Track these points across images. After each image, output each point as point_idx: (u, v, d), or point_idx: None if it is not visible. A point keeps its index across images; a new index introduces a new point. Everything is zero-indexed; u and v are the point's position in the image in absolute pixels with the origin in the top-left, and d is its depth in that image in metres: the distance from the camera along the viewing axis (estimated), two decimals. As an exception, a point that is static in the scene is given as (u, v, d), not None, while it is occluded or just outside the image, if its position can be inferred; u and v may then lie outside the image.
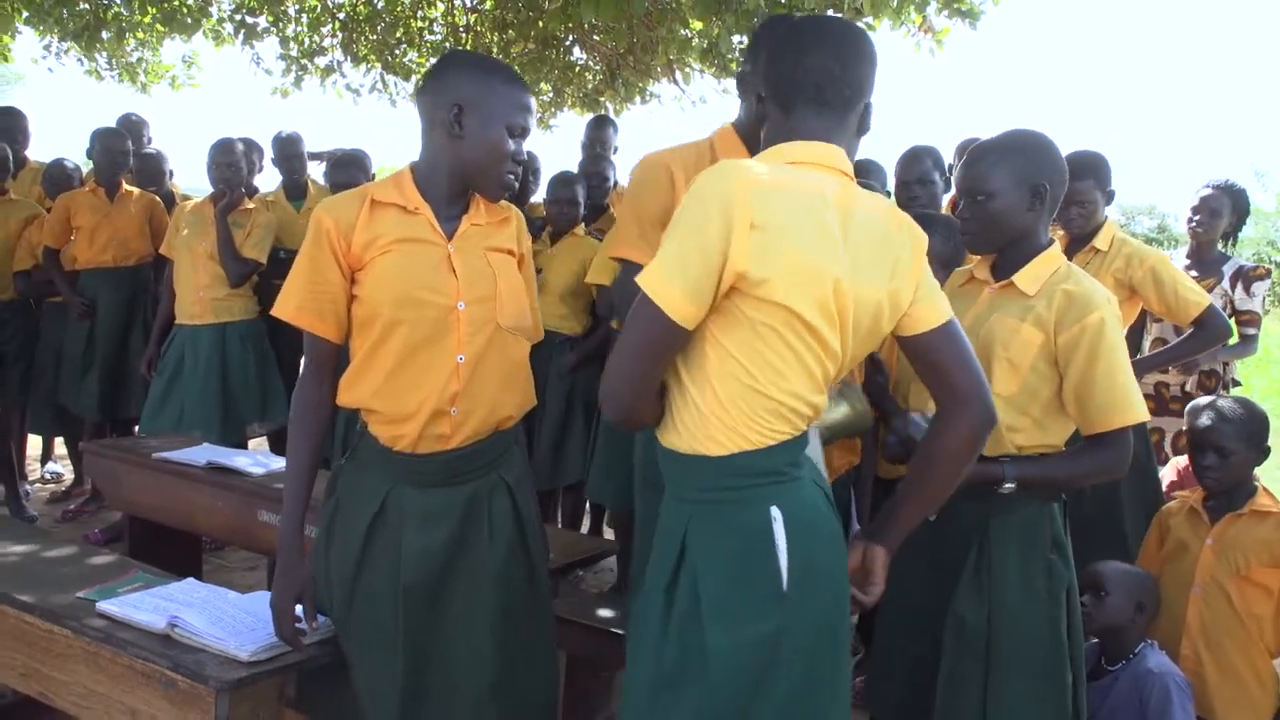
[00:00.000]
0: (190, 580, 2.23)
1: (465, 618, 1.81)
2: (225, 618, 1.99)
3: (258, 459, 3.11)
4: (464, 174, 1.77)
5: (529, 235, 1.97)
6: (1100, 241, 3.15)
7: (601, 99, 7.73)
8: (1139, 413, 1.84)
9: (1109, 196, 3.21)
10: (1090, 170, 3.09)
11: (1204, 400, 2.56)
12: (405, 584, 1.79)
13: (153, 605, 2.03)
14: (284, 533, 1.85)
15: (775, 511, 1.42)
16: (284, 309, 1.79)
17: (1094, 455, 1.90)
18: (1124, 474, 1.94)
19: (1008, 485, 1.87)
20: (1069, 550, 1.99)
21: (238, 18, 7.36)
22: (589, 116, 5.93)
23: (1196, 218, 3.83)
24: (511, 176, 1.77)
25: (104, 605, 2.03)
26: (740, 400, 1.41)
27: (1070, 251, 3.16)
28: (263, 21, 7.40)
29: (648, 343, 1.39)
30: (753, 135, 1.69)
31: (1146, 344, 3.74)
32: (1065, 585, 1.95)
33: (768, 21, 1.89)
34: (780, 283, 1.36)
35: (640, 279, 1.39)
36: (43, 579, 2.24)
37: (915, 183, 3.21)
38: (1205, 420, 2.46)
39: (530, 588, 1.89)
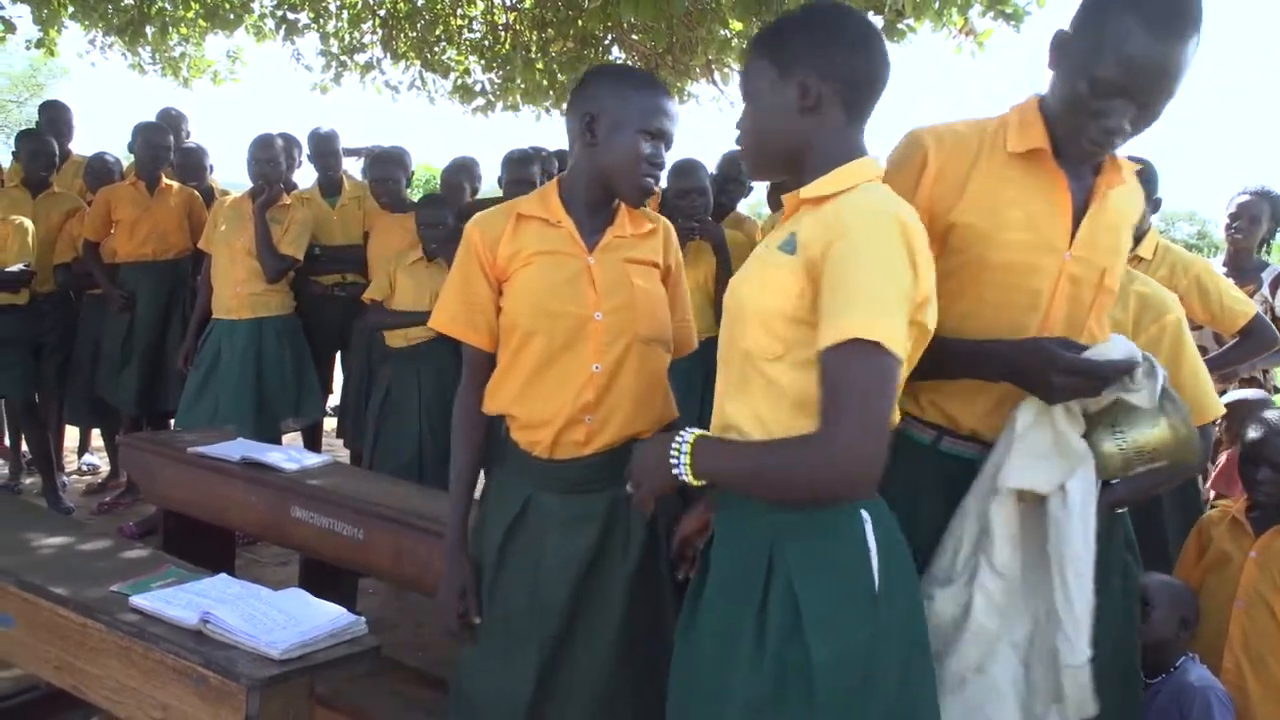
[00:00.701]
0: (223, 576, 2.23)
1: (595, 625, 1.82)
2: (257, 615, 1.98)
3: (291, 454, 3.11)
4: (602, 181, 1.80)
5: (678, 247, 1.97)
6: (1144, 249, 3.11)
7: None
8: (1217, 408, 1.83)
9: (1155, 205, 3.15)
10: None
11: (1253, 403, 2.50)
12: (543, 589, 1.81)
13: (185, 601, 2.02)
14: (450, 533, 1.91)
15: (865, 514, 1.37)
16: (439, 320, 1.87)
17: None
18: (1203, 471, 1.91)
19: (1119, 510, 1.87)
20: (1138, 552, 1.95)
21: (279, 13, 7.41)
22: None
23: (1236, 224, 3.79)
24: (650, 180, 1.77)
25: (137, 600, 2.03)
26: None
27: None
28: (304, 18, 7.45)
29: (890, 393, 1.29)
30: (1062, 119, 1.51)
31: None
32: (1137, 586, 1.94)
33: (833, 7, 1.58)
34: (931, 307, 1.37)
35: (867, 332, 1.25)
36: (77, 572, 2.25)
37: None
38: (1259, 433, 2.38)
39: (658, 599, 1.87)
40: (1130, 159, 3.08)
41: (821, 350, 1.27)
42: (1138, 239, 3.11)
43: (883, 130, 1.56)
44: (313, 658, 1.89)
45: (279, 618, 1.98)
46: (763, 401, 1.37)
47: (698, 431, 1.42)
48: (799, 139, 1.44)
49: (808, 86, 1.41)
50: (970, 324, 1.56)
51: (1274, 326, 3.30)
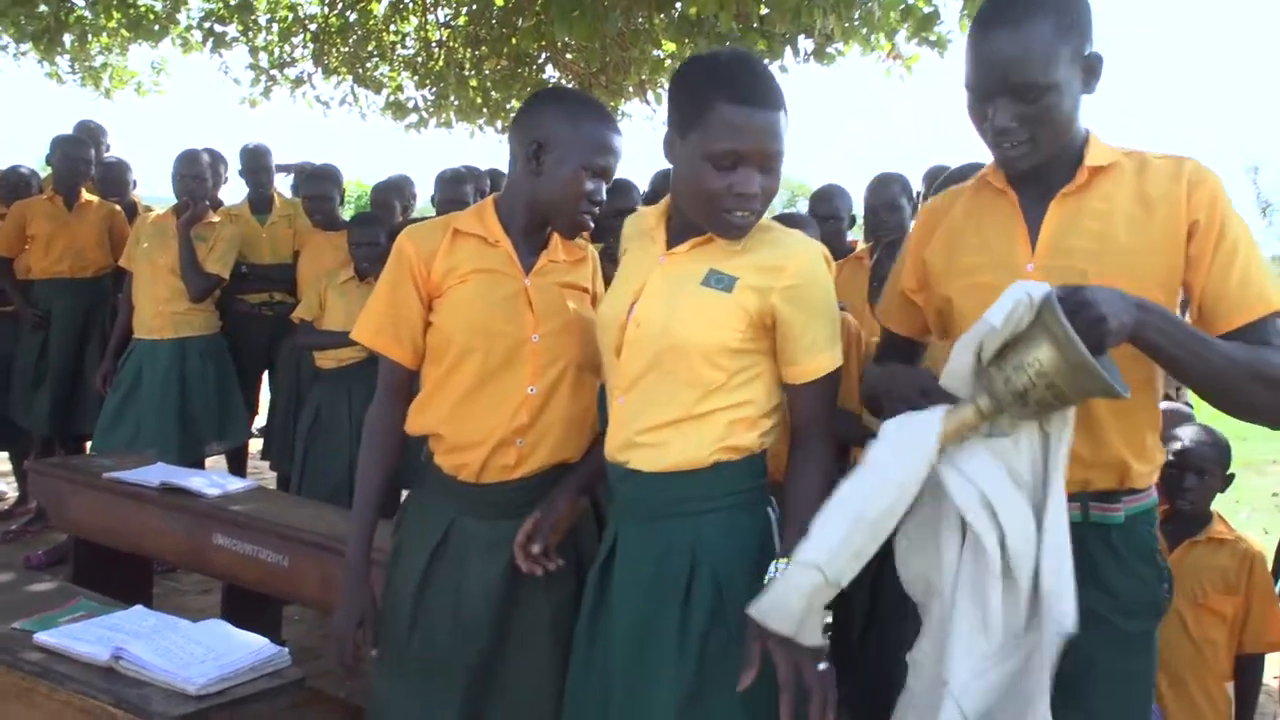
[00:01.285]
0: (138, 608, 2.15)
1: (525, 650, 1.79)
2: (174, 649, 1.92)
3: (214, 480, 3.03)
4: (541, 210, 1.78)
5: (602, 275, 1.97)
6: None
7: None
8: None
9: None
10: None
11: (1177, 414, 2.57)
12: (466, 614, 1.78)
13: (96, 636, 1.95)
14: (350, 558, 1.84)
15: (771, 513, 1.56)
16: (362, 333, 1.82)
17: None
18: None
19: None
20: None
21: (207, 25, 7.28)
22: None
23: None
24: (587, 216, 1.76)
25: (42, 636, 1.94)
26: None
27: None
28: (232, 30, 7.33)
29: None
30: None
31: None
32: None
33: None
34: None
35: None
36: (-20, 606, 2.15)
37: (883, 208, 3.21)
38: (1188, 441, 2.45)
39: None
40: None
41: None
42: None
43: (811, 151, 1.58)
44: (232, 692, 1.83)
45: (197, 651, 1.92)
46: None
47: None
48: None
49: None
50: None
51: None
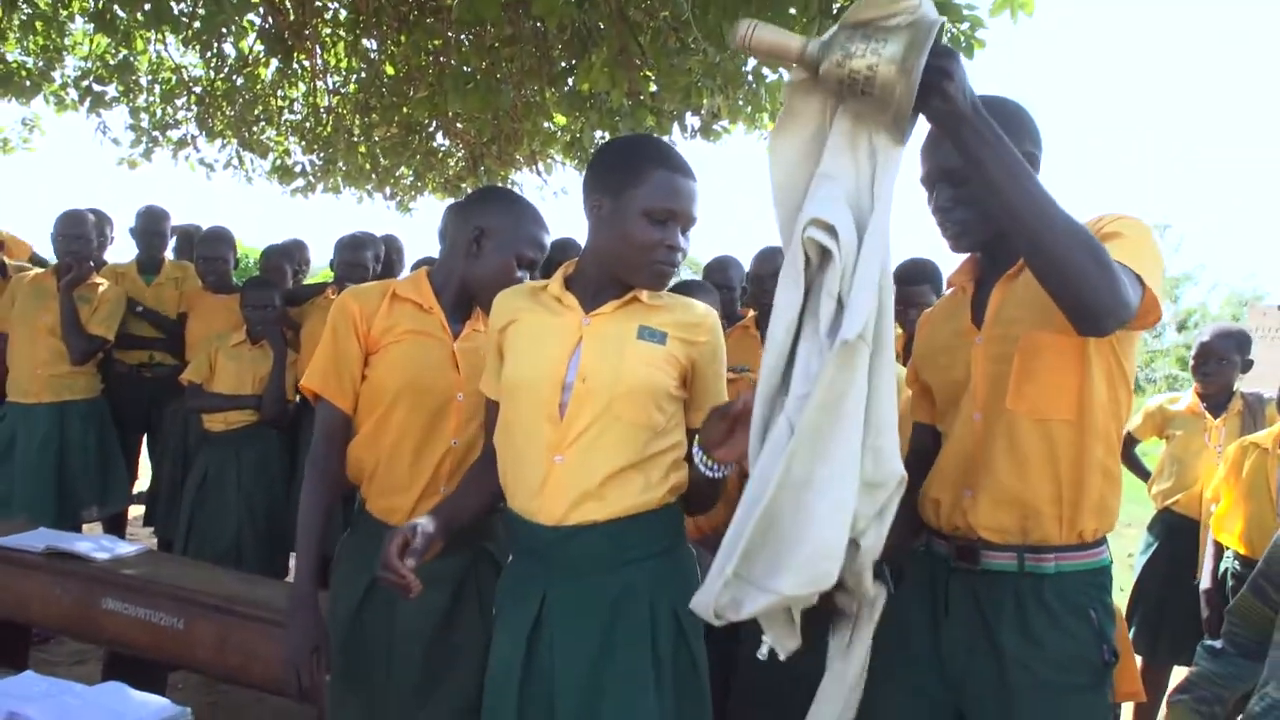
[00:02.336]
0: (29, 673, 2.09)
1: (453, 687, 1.90)
2: (73, 712, 1.89)
3: (102, 543, 2.96)
4: (472, 287, 1.98)
5: None
6: None
7: (463, 185, 7.82)
8: None
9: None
10: (927, 276, 3.35)
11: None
12: (397, 655, 1.90)
13: (-9, 700, 1.90)
14: (297, 589, 1.95)
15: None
16: (310, 380, 1.98)
17: None
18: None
19: None
20: None
21: (84, 84, 7.12)
22: (449, 201, 6.00)
23: None
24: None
25: (-66, 703, 1.89)
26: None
27: None
28: (112, 90, 7.18)
29: None
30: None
31: None
32: None
33: None
34: None
35: None
36: None
37: (768, 277, 3.41)
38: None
39: None
40: (921, 259, 3.46)
41: None
42: None
43: (700, 227, 1.73)
44: (133, 754, 1.81)
45: (98, 714, 1.89)
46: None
47: None
48: None
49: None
50: (941, 424, 1.81)
51: None
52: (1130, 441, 4.17)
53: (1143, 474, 4.14)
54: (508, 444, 1.74)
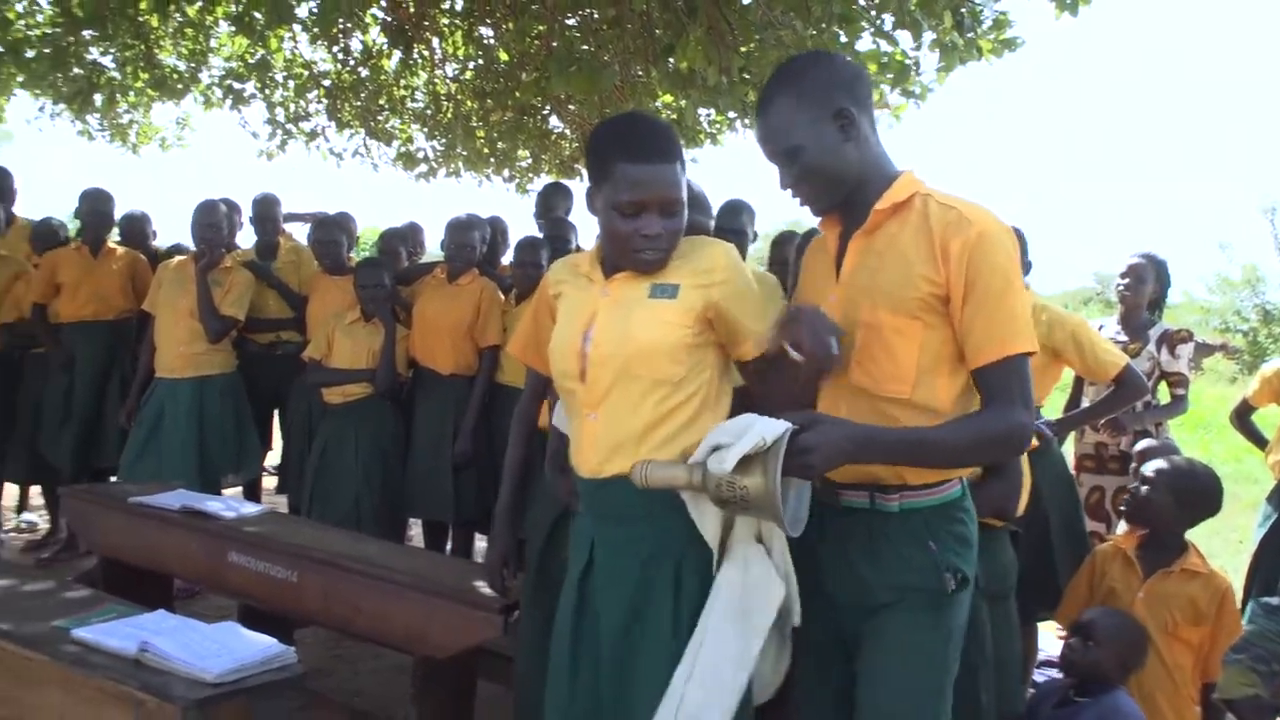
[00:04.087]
0: (161, 611, 2.37)
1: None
2: (194, 644, 2.14)
3: (230, 503, 3.26)
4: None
5: None
6: None
7: (577, 165, 8.02)
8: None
9: (1026, 268, 3.45)
10: None
11: (1159, 447, 2.77)
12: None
13: (124, 633, 2.17)
14: (497, 513, 2.33)
15: None
16: (513, 347, 2.16)
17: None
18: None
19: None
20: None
21: (226, 83, 7.65)
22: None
23: (1124, 282, 4.13)
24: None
25: (78, 632, 2.17)
26: None
27: None
28: (250, 87, 7.69)
29: None
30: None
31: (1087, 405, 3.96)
32: (980, 618, 2.08)
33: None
34: None
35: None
36: (21, 610, 2.38)
37: (731, 233, 3.36)
38: (1147, 458, 2.76)
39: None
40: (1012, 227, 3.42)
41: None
42: None
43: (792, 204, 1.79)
44: (245, 682, 2.04)
45: (213, 646, 2.14)
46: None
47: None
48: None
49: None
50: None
51: (1145, 378, 3.59)
52: (1246, 409, 4.01)
53: (1260, 442, 3.97)
54: (566, 406, 1.91)
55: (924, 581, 1.70)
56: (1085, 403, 4.00)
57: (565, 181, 6.58)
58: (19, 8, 5.90)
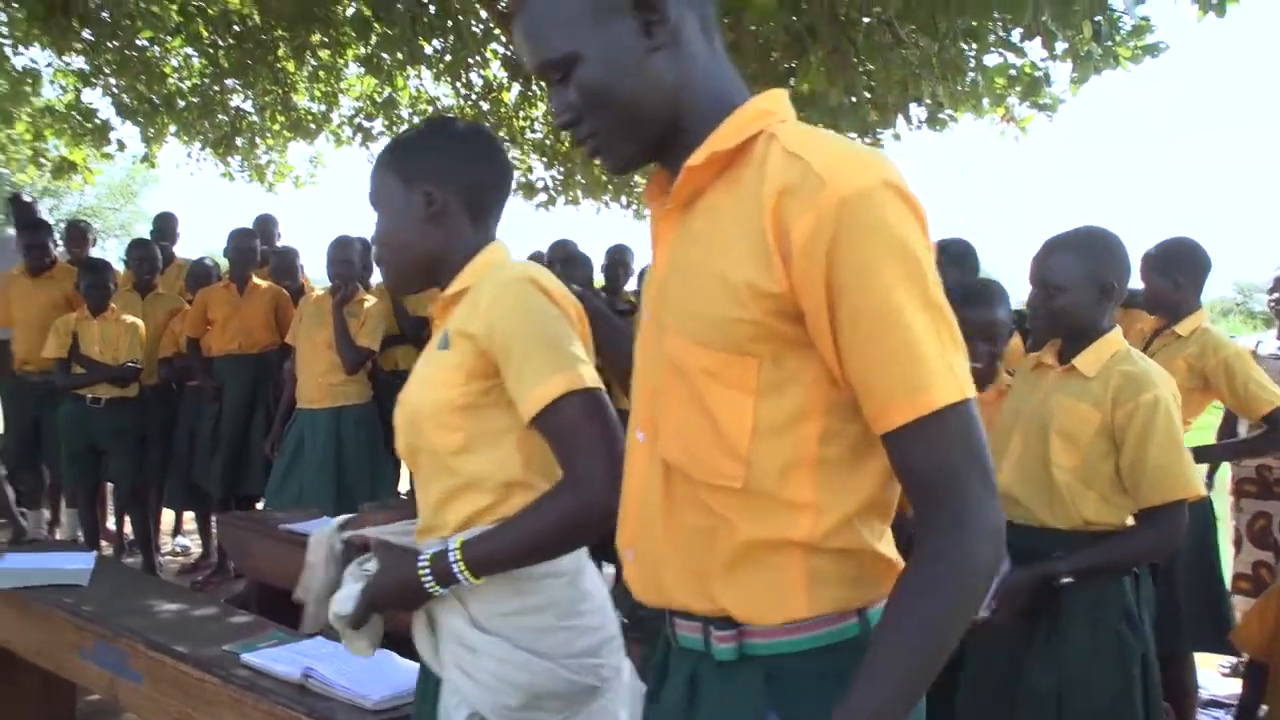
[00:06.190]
0: (319, 638, 2.45)
1: None
2: (353, 671, 2.21)
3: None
4: None
5: None
6: (1182, 328, 3.10)
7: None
8: (1191, 487, 1.96)
9: (1179, 286, 3.20)
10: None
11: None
12: None
13: (288, 658, 2.26)
14: None
15: None
16: None
17: (1145, 533, 2.03)
18: (1176, 549, 2.03)
19: (1065, 580, 2.01)
20: (1143, 621, 2.07)
21: (356, 121, 7.99)
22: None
23: (1275, 295, 3.74)
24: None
25: (247, 657, 2.27)
26: None
27: (1153, 334, 3.23)
28: (378, 125, 8.00)
29: (612, 421, 1.37)
30: None
31: (1242, 432, 3.70)
32: (1138, 656, 2.03)
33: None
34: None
35: (572, 385, 1.33)
36: (193, 634, 2.50)
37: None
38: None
39: None
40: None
41: (534, 416, 1.33)
42: (1182, 317, 3.13)
43: (938, 216, 1.76)
44: (403, 709, 2.09)
45: (371, 673, 2.20)
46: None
47: (460, 538, 1.39)
48: (432, 247, 1.49)
49: (432, 195, 1.47)
50: None
51: None
52: None
53: None
54: None
55: None
56: (1242, 430, 3.73)
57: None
58: (174, 62, 6.30)
